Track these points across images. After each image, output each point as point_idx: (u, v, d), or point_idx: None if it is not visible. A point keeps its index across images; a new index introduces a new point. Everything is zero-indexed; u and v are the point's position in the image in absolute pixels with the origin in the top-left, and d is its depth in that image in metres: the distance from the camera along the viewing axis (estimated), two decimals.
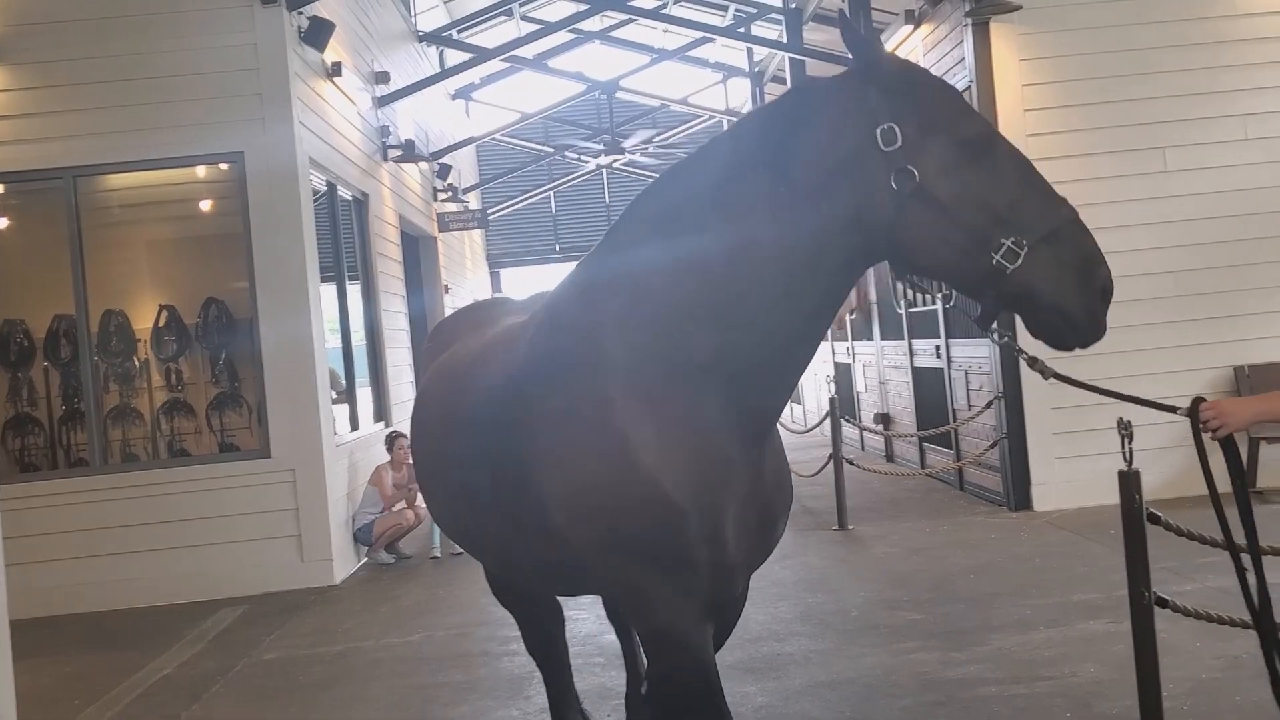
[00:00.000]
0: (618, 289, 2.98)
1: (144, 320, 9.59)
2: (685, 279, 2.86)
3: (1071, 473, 9.13)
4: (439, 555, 9.73)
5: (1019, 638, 5.91)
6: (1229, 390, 9.29)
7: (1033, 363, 2.98)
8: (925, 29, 10.83)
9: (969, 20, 9.35)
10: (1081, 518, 8.70)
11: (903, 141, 2.66)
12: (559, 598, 4.54)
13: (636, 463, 2.82)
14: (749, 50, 21.41)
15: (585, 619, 6.91)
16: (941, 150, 2.67)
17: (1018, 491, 9.48)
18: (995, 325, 2.86)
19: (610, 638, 6.55)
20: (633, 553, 2.87)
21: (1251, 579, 3.17)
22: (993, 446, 9.80)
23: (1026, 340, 2.91)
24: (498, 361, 3.38)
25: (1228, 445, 3.06)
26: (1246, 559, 3.15)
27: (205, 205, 9.95)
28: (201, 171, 9.63)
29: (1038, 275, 2.62)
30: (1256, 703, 4.45)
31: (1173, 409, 3.05)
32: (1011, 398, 9.42)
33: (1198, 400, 3.03)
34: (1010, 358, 9.36)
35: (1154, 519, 3.92)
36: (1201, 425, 2.99)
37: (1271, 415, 3.10)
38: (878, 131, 2.67)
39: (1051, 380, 3.09)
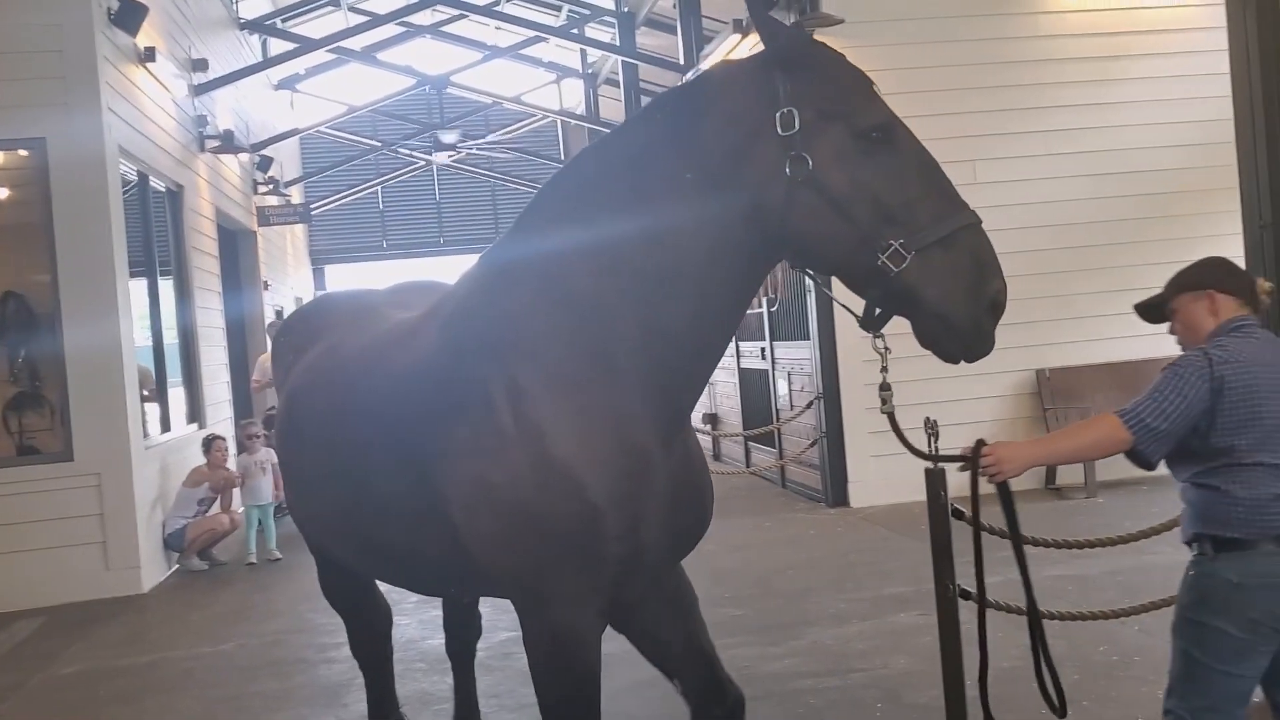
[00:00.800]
0: (529, 275, 2.87)
1: None
2: (597, 265, 2.76)
3: (885, 470, 9.44)
4: (255, 560, 9.41)
5: (834, 631, 6.09)
6: (1032, 392, 9.78)
7: (883, 388, 2.88)
8: (753, 38, 11.05)
9: None
10: (894, 514, 9.02)
11: (800, 127, 2.55)
12: (389, 602, 4.46)
13: (551, 455, 2.71)
14: (583, 52, 21.49)
15: (407, 624, 6.79)
16: (838, 139, 2.56)
17: (835, 489, 9.78)
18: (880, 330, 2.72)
19: (432, 642, 6.46)
20: (542, 549, 2.75)
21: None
22: (812, 445, 10.08)
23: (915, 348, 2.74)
24: (402, 352, 3.20)
25: (1002, 489, 3.15)
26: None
27: (2, 193, 9.37)
28: None
29: (924, 280, 2.51)
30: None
31: (960, 458, 3.09)
32: (830, 398, 9.71)
33: (979, 444, 3.07)
34: (830, 359, 9.64)
35: (958, 515, 4.08)
36: (981, 470, 3.04)
37: (1046, 461, 3.22)
38: (777, 115, 2.57)
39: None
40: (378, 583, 4.36)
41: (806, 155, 2.55)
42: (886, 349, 2.76)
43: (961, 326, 2.54)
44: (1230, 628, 2.93)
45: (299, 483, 3.76)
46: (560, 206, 2.90)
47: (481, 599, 4.52)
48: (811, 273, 2.84)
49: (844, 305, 2.82)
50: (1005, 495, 3.18)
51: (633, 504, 2.76)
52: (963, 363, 2.66)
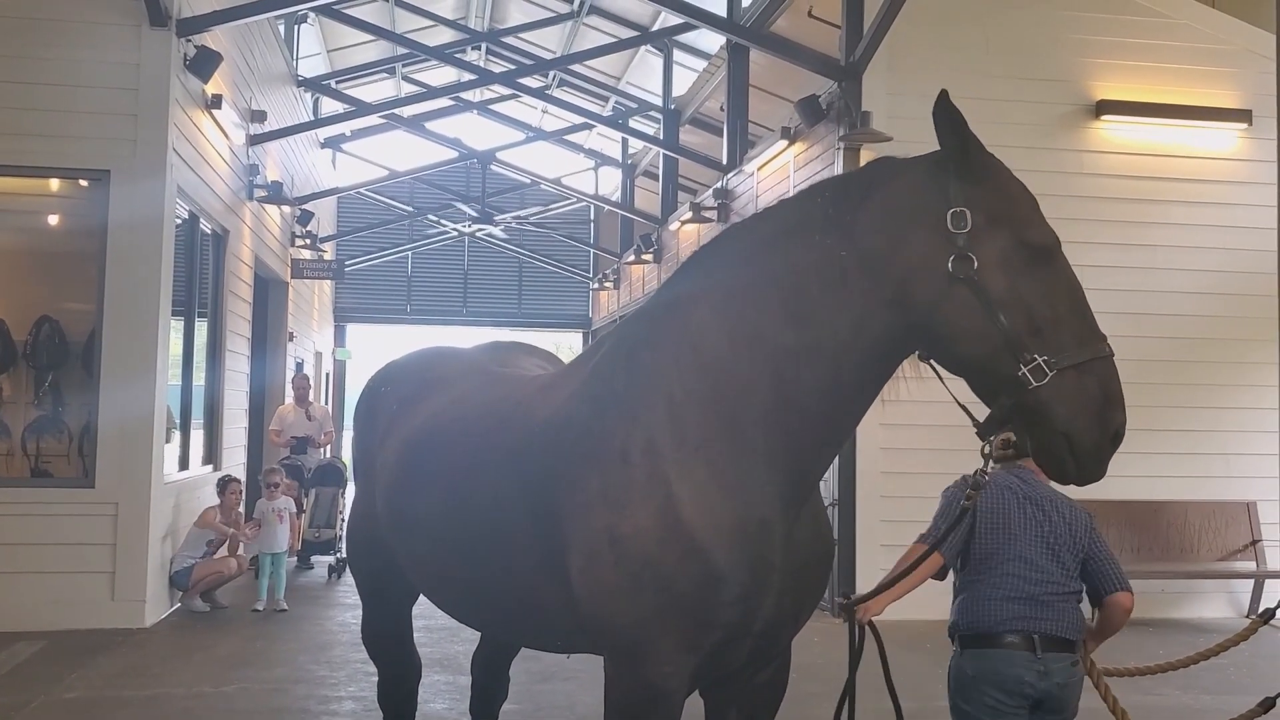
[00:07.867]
0: (670, 338, 2.98)
1: None
2: (737, 334, 2.87)
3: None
4: (262, 608, 9.39)
5: None
6: None
7: (977, 483, 2.90)
8: (799, 146, 11.29)
9: (842, 144, 9.80)
10: (901, 629, 8.91)
11: (971, 227, 2.68)
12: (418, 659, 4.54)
13: (677, 515, 2.81)
14: (624, 141, 21.92)
15: None
16: (1004, 247, 2.68)
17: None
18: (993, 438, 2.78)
19: (434, 706, 6.45)
20: (655, 605, 2.82)
21: None
22: None
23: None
24: (543, 403, 3.27)
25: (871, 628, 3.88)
26: None
27: (54, 220, 9.55)
28: (55, 184, 9.28)
29: (1058, 399, 2.61)
30: None
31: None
32: (845, 505, 9.68)
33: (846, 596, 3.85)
34: (848, 467, 9.66)
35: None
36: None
37: (894, 597, 3.74)
38: (949, 213, 2.70)
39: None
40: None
41: (972, 255, 2.67)
42: (992, 454, 2.81)
43: (1084, 449, 2.63)
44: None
45: (409, 525, 3.72)
46: (706, 274, 3.01)
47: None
48: (935, 367, 2.89)
49: (962, 406, 2.83)
50: (870, 632, 3.87)
51: (750, 571, 2.83)
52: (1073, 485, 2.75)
